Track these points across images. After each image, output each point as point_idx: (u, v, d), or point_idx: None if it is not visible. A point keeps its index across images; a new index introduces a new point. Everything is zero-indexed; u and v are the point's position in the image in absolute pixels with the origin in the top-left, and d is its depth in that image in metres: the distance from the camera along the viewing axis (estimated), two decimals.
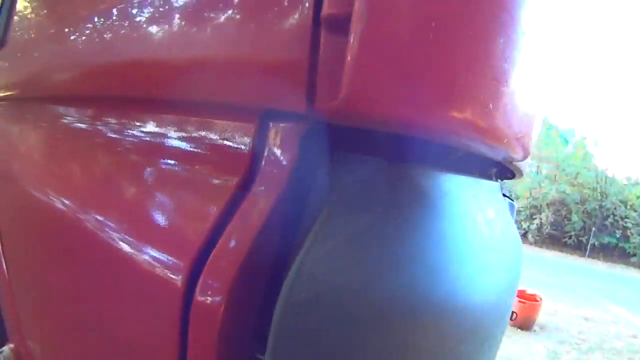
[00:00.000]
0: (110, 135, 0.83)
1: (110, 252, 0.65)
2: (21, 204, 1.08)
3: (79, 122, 1.00)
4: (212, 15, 0.56)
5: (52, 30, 1.11)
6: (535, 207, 15.21)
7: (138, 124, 0.74)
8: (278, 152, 0.50)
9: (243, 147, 0.53)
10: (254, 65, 0.51)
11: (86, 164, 0.89)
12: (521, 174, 1.28)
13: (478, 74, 0.41)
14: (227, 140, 0.56)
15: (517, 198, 15.25)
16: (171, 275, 0.53)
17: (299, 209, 0.49)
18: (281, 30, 0.48)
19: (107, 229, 0.68)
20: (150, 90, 0.70)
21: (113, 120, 0.83)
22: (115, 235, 0.66)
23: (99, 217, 0.72)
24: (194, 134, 0.62)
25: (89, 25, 0.88)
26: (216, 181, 0.56)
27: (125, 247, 0.63)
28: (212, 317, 0.46)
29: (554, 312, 6.47)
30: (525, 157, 0.56)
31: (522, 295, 5.46)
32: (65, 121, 1.05)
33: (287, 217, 0.49)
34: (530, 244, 14.24)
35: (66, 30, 1.00)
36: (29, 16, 1.32)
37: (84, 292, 0.75)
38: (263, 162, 0.51)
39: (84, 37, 0.92)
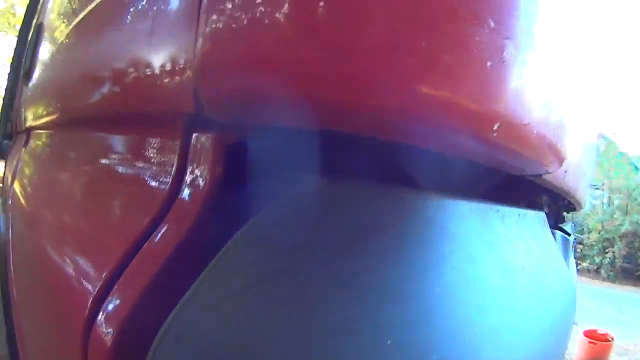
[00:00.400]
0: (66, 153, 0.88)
1: (43, 268, 0.65)
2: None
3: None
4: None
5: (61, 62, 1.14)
6: (608, 240, 14.25)
7: (76, 141, 0.77)
8: (199, 168, 0.41)
9: (168, 162, 0.46)
10: (155, 77, 0.45)
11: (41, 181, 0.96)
12: (580, 205, 1.11)
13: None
14: (154, 155, 0.51)
15: (589, 232, 14.42)
16: (80, 293, 0.46)
17: (213, 236, 0.37)
18: (169, 31, 0.42)
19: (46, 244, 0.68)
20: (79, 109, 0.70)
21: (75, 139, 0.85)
22: (49, 250, 0.65)
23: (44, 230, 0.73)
24: (123, 150, 0.59)
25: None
26: (138, 201, 0.49)
27: (52, 260, 0.61)
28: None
29: (625, 352, 5.89)
30: (556, 166, 0.39)
31: (592, 335, 5.03)
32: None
33: (200, 246, 0.38)
34: (604, 279, 13.30)
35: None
36: (48, 50, 1.40)
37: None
38: (185, 179, 0.43)
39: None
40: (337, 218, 0.31)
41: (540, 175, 0.40)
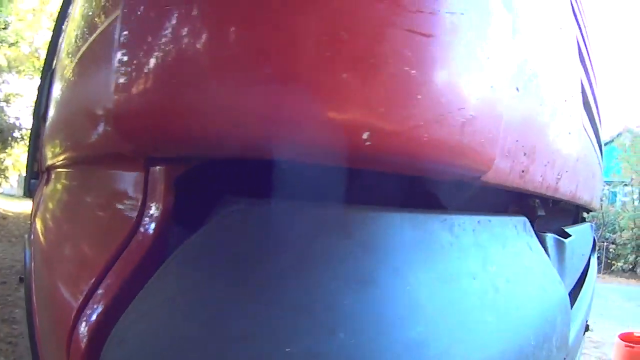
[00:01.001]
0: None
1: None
2: None
3: None
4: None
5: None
6: None
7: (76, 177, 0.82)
8: (155, 197, 0.45)
9: (137, 193, 0.49)
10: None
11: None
12: (591, 206, 1.09)
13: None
14: (129, 188, 0.55)
15: (621, 230, 13.78)
16: (67, 310, 0.50)
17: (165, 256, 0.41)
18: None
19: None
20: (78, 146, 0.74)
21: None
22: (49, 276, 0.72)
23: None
24: (102, 184, 0.65)
25: None
26: (114, 229, 0.52)
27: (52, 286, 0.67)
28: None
29: None
30: (483, 169, 0.39)
31: (629, 338, 4.74)
32: None
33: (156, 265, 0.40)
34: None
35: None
36: (58, 90, 1.46)
37: None
38: (145, 209, 0.46)
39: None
40: (261, 236, 0.33)
41: (477, 178, 0.39)
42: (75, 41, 1.04)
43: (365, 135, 0.25)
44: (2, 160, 10.57)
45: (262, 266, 0.32)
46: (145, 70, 0.30)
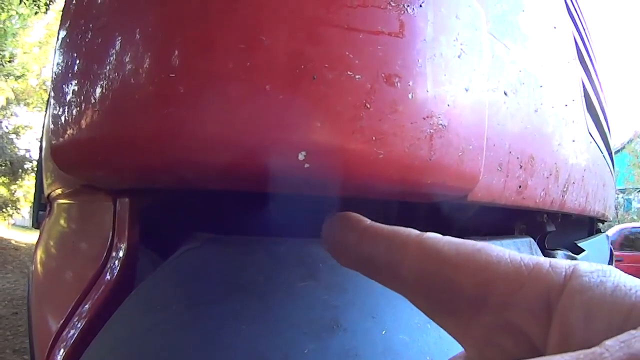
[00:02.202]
0: None
1: None
2: None
3: None
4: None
5: None
6: None
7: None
8: (122, 229, 0.43)
9: (106, 226, 0.48)
10: None
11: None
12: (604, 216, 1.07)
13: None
14: (102, 219, 0.52)
15: None
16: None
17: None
18: None
19: None
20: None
21: None
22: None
23: None
24: (80, 214, 0.68)
25: None
26: (88, 260, 0.52)
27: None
28: None
29: None
30: (465, 188, 0.34)
31: None
32: None
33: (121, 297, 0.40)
34: None
35: None
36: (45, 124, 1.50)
37: None
38: (114, 241, 0.45)
39: None
40: (217, 275, 0.30)
41: (463, 197, 0.35)
42: (60, 73, 1.05)
43: (301, 156, 0.21)
44: (13, 191, 10.75)
45: (215, 308, 0.28)
46: (76, 103, 0.28)
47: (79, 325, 0.42)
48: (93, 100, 0.26)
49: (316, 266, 0.30)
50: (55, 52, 0.34)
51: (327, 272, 0.29)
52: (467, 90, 0.29)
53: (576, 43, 0.86)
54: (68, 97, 0.29)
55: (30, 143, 12.94)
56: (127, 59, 0.24)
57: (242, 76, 0.20)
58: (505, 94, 0.41)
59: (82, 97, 0.27)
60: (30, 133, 12.83)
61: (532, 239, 0.69)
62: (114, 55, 0.25)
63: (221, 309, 0.27)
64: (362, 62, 0.22)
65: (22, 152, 10.54)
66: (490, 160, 0.38)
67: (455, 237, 0.18)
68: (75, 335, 0.41)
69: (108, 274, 0.43)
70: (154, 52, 0.22)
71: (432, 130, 0.25)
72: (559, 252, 0.86)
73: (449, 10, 0.28)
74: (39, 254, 1.35)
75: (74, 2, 0.32)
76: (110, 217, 0.45)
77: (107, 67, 0.25)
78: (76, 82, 0.28)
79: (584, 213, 0.91)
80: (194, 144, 0.21)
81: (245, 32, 0.20)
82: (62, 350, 0.42)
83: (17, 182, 10.64)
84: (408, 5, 0.24)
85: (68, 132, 0.28)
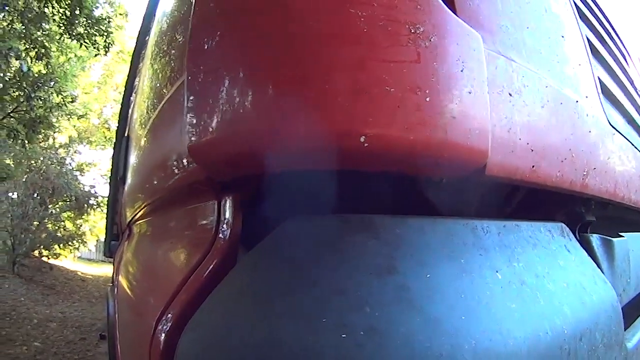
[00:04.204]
0: None
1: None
2: None
3: None
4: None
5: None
6: None
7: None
8: (226, 222, 0.57)
9: (207, 222, 0.62)
10: None
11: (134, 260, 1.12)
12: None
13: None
14: (205, 216, 0.66)
15: None
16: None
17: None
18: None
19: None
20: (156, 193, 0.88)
21: None
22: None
23: None
24: (183, 217, 0.77)
25: None
26: (191, 250, 0.65)
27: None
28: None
29: None
30: (473, 165, 0.48)
31: None
32: None
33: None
34: None
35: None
36: (133, 154, 1.65)
37: None
38: (219, 231, 0.57)
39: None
40: (309, 244, 0.45)
41: (480, 172, 0.48)
42: (147, 110, 1.23)
43: (361, 139, 0.37)
44: (79, 226, 11.42)
45: (305, 260, 0.43)
46: (209, 110, 0.44)
47: (185, 305, 0.54)
48: (236, 102, 0.42)
49: (378, 230, 0.45)
50: (185, 61, 0.49)
51: (386, 231, 0.44)
52: (470, 93, 0.43)
53: (590, 43, 0.96)
54: (208, 103, 0.44)
55: (94, 179, 13.75)
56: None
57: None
58: (510, 94, 0.53)
59: (224, 101, 0.43)
60: (94, 171, 13.67)
61: (564, 224, 0.76)
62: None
63: (314, 264, 0.42)
64: (394, 81, 0.38)
65: (87, 188, 11.23)
66: (501, 144, 0.50)
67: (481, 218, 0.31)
68: (179, 315, 0.53)
69: (214, 253, 0.55)
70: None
71: (446, 120, 0.40)
72: (593, 235, 0.91)
73: (451, 39, 0.42)
74: (124, 270, 1.49)
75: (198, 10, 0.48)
76: (214, 213, 0.59)
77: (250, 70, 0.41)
78: (215, 88, 0.44)
79: (615, 199, 0.98)
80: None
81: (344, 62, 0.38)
82: (169, 323, 0.54)
83: (83, 216, 11.31)
84: (422, 41, 0.39)
85: (209, 131, 0.44)
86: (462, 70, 0.43)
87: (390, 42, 0.40)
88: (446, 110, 0.41)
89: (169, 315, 0.56)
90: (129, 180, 1.67)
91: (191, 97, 0.48)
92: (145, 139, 1.12)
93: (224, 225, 0.57)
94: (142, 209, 1.36)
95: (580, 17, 0.97)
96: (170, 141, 0.73)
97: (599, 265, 0.79)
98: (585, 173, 0.77)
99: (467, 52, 0.44)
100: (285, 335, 0.38)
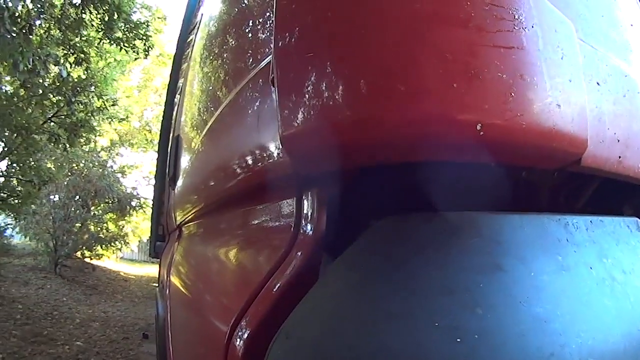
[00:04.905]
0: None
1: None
2: None
3: None
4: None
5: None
6: None
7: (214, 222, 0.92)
8: (308, 217, 0.57)
9: (284, 222, 0.63)
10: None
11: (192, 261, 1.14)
12: None
13: None
14: (278, 215, 0.68)
15: None
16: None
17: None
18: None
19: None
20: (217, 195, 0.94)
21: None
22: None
23: None
24: (256, 216, 0.76)
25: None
26: (268, 249, 0.65)
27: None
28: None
29: None
30: (572, 155, 0.46)
31: None
32: None
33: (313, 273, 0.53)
34: None
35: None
36: (187, 156, 1.67)
37: None
38: (301, 227, 0.58)
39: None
40: (405, 241, 0.44)
41: (577, 163, 0.46)
42: (201, 112, 1.26)
43: (478, 127, 0.37)
44: (121, 227, 11.67)
45: (409, 260, 0.43)
46: (301, 102, 0.44)
47: (262, 310, 0.53)
48: (326, 93, 0.42)
49: (480, 227, 0.45)
50: (273, 60, 0.49)
51: (488, 228, 0.44)
52: (570, 81, 0.42)
53: None
54: (298, 95, 0.44)
55: (136, 181, 14.09)
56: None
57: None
58: (597, 83, 0.52)
59: (315, 93, 0.43)
60: (136, 173, 14.02)
61: (638, 219, 0.72)
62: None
63: (413, 261, 0.42)
64: (505, 67, 0.37)
65: (129, 190, 11.47)
66: (593, 134, 0.49)
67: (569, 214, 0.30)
68: (259, 319, 0.52)
69: (294, 263, 0.54)
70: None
71: (554, 108, 0.39)
72: None
73: (549, 26, 0.41)
74: (178, 273, 1.50)
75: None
76: (293, 212, 0.59)
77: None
78: (304, 80, 0.44)
79: None
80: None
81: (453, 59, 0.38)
82: (250, 327, 0.53)
83: (125, 218, 11.57)
84: (525, 27, 0.39)
85: (302, 121, 0.44)
86: (562, 58, 0.42)
87: (497, 27, 0.39)
88: (553, 98, 0.40)
89: (248, 319, 0.56)
90: (181, 181, 1.70)
91: (282, 91, 0.47)
92: (202, 140, 1.15)
93: (307, 222, 0.57)
94: (197, 210, 1.37)
95: None
96: (240, 141, 0.74)
97: None
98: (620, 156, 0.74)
99: (564, 39, 0.43)
100: (395, 340, 0.37)
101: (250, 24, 0.76)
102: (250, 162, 0.68)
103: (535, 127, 0.40)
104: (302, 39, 0.45)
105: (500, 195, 0.51)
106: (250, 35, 0.75)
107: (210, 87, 1.11)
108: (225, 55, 0.98)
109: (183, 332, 1.16)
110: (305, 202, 0.58)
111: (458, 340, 0.36)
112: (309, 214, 0.56)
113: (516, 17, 0.39)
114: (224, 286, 0.84)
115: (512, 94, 0.38)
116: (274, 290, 0.54)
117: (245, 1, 0.88)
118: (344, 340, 0.39)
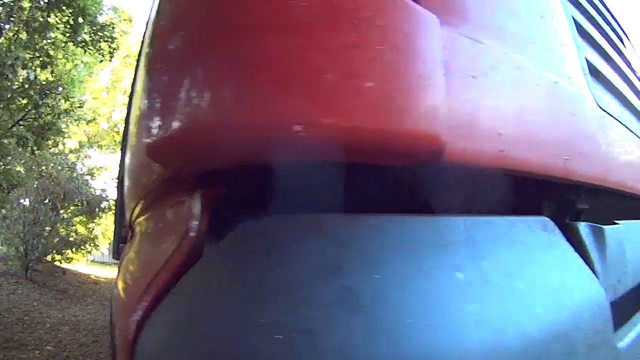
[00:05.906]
0: None
1: None
2: None
3: None
4: None
5: None
6: None
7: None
8: (195, 218, 0.57)
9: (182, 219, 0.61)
10: None
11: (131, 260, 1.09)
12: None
13: None
14: (180, 214, 0.65)
15: None
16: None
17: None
18: None
19: None
20: None
21: None
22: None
23: None
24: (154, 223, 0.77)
25: None
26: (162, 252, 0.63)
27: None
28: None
29: None
30: (427, 152, 0.46)
31: None
32: None
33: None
34: None
35: None
36: (126, 155, 1.67)
37: None
38: (187, 230, 0.56)
39: None
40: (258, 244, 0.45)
41: (415, 164, 0.46)
42: (132, 112, 1.25)
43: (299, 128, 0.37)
44: (91, 230, 11.57)
45: (255, 259, 0.44)
46: (169, 108, 0.44)
47: (146, 303, 0.54)
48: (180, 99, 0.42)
49: (326, 231, 0.44)
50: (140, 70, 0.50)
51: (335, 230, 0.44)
52: (419, 77, 0.42)
53: (577, 24, 0.93)
54: (160, 102, 0.44)
55: (105, 183, 13.96)
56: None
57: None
58: (473, 77, 0.52)
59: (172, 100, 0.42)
60: (105, 174, 13.84)
61: (547, 219, 0.71)
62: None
63: (262, 266, 0.42)
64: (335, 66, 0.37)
65: (98, 192, 11.36)
66: (460, 128, 0.49)
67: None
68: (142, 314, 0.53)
69: (175, 262, 0.55)
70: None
71: (388, 105, 0.39)
72: (581, 223, 0.86)
73: (396, 21, 0.41)
74: (121, 271, 1.53)
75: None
76: (184, 211, 0.58)
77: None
78: (166, 98, 0.44)
79: (607, 185, 0.94)
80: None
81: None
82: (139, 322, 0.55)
83: (95, 220, 11.46)
84: (363, 23, 0.39)
85: (165, 130, 0.44)
86: (409, 53, 0.41)
87: (326, 27, 0.38)
88: (387, 95, 0.40)
89: (137, 313, 0.56)
90: (125, 182, 1.68)
91: (145, 99, 0.48)
92: (131, 140, 1.13)
93: (192, 222, 0.56)
94: (136, 210, 1.37)
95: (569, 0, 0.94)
96: (135, 143, 0.73)
97: (587, 257, 0.74)
98: (567, 158, 0.75)
99: (417, 33, 0.43)
100: (215, 335, 0.38)
101: (154, 22, 0.75)
102: (146, 163, 0.67)
103: (361, 125, 0.39)
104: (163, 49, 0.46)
105: (368, 196, 0.51)
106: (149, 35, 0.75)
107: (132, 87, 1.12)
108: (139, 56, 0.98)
109: (114, 330, 1.16)
110: (193, 201, 0.57)
111: (278, 336, 0.37)
112: (195, 213, 0.56)
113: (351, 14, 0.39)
114: (134, 284, 0.84)
115: (336, 94, 0.38)
116: (156, 287, 0.55)
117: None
118: (186, 334, 0.42)
